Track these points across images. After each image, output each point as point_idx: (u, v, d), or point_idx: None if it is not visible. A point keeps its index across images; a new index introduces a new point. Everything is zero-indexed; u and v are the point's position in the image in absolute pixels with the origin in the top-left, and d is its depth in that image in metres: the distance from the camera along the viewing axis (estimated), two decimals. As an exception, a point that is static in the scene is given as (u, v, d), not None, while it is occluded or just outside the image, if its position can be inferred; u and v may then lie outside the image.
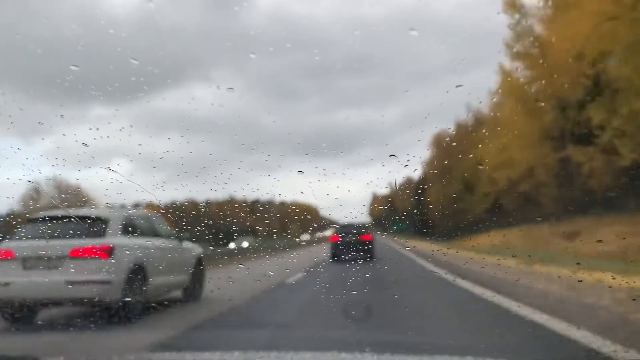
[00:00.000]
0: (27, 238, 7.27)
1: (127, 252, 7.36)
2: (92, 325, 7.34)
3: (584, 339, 5.24)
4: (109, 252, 7.04)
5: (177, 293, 9.44)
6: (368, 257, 17.52)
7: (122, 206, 9.61)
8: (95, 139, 7.66)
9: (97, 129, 8.30)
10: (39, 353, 5.38)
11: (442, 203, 39.94)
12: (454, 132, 41.33)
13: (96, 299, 6.88)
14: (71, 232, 7.11)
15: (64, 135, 8.17)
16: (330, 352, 3.13)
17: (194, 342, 6.11)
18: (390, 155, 6.80)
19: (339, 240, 18.21)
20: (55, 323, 7.70)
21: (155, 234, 8.63)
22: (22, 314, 7.31)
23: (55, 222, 7.44)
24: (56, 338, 6.67)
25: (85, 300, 6.93)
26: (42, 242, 6.97)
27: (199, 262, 9.86)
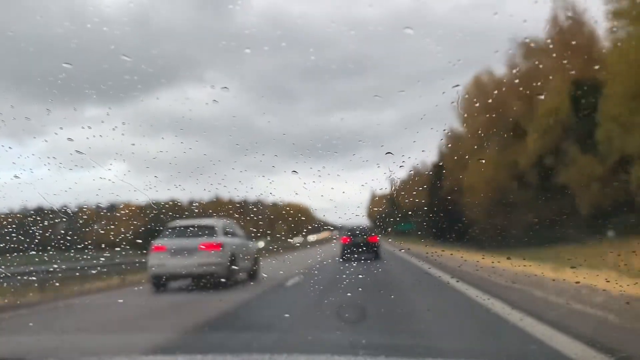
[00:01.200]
0: (171, 237, 11.94)
1: (228, 246, 11.88)
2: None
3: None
4: (220, 246, 11.62)
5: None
6: (374, 257, 19.78)
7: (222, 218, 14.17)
8: (88, 138, 7.64)
9: (90, 128, 8.25)
10: (30, 355, 5.34)
11: (496, 186, 25.15)
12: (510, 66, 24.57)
13: (213, 274, 11.33)
14: (197, 234, 11.81)
15: (56, 134, 8.14)
16: (324, 355, 3.13)
17: (187, 346, 6.09)
18: (386, 153, 6.72)
19: (349, 242, 20.05)
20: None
21: (237, 235, 13.01)
22: (165, 283, 11.87)
23: (187, 228, 12.29)
24: (49, 340, 6.64)
25: (207, 274, 11.33)
26: (182, 240, 11.68)
27: (257, 254, 14.24)
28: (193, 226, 12.28)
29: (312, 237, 42.44)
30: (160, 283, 11.73)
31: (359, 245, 19.73)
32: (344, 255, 19.99)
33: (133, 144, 9.50)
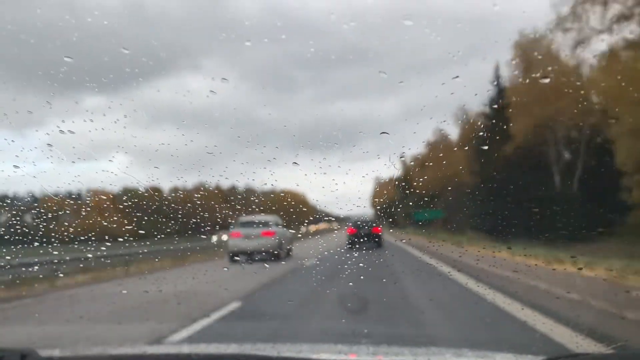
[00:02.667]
0: (242, 227, 17.29)
1: (278, 233, 17.32)
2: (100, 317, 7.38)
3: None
4: (274, 233, 17.09)
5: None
6: (377, 246, 22.12)
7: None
8: (90, 130, 7.62)
9: (92, 121, 8.22)
10: (35, 345, 5.40)
11: None
12: None
13: (270, 251, 16.58)
14: (259, 225, 17.09)
15: (59, 127, 8.11)
16: (327, 344, 3.18)
17: (190, 335, 6.14)
18: (381, 133, 6.54)
19: (355, 232, 22.16)
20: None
21: (280, 225, 18.18)
22: (237, 257, 17.00)
23: (252, 221, 17.43)
24: (54, 330, 6.70)
25: (266, 251, 16.63)
26: (250, 229, 16.99)
27: (291, 238, 19.79)
28: (256, 220, 17.73)
29: (312, 228, 42.33)
30: (235, 256, 17.06)
31: (363, 235, 21.81)
32: (350, 244, 21.80)
33: (135, 137, 9.45)
